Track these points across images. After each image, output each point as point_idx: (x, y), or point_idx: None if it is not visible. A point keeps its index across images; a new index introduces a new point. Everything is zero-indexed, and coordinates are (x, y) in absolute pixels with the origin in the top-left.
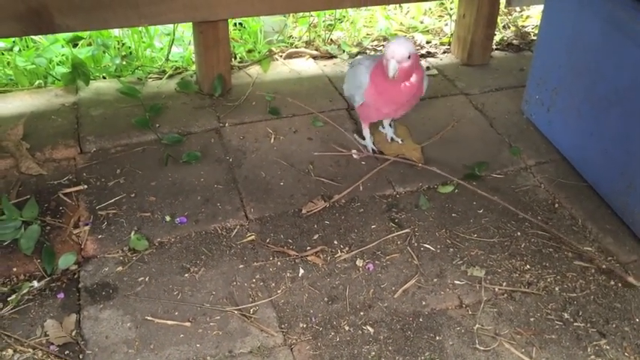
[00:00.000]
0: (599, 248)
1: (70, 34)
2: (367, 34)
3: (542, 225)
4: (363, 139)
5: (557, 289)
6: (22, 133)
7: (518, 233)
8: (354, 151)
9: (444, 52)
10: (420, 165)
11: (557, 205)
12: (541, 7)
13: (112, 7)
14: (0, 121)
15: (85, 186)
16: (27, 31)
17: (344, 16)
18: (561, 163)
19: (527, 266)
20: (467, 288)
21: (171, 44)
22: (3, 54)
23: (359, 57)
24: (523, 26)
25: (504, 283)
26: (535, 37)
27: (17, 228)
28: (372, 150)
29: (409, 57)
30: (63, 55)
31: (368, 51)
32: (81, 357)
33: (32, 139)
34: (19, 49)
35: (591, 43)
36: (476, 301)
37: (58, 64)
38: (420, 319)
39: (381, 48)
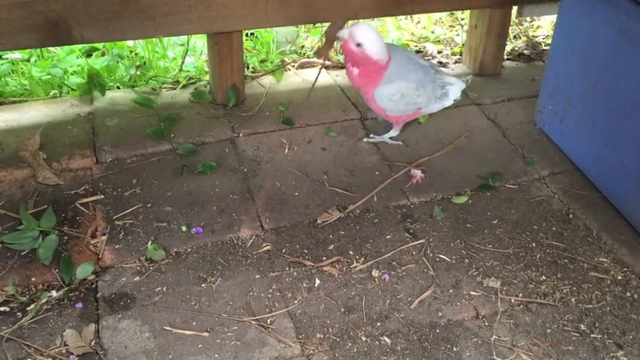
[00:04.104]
0: (615, 259)
1: (86, 45)
2: None
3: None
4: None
5: (573, 300)
6: (38, 143)
7: (533, 244)
8: (371, 135)
9: (456, 62)
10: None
11: (571, 216)
12: (552, 17)
13: (129, 18)
14: (16, 132)
15: (102, 196)
16: (44, 43)
17: None
18: (575, 173)
19: (543, 277)
20: (483, 299)
21: (185, 54)
22: (18, 64)
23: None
24: (534, 36)
25: (520, 294)
26: (546, 47)
27: (35, 238)
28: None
29: (348, 35)
30: (78, 65)
31: None
32: None
33: (49, 149)
34: (35, 60)
35: (605, 54)
36: (492, 312)
37: (72, 75)
38: (437, 330)
39: None
